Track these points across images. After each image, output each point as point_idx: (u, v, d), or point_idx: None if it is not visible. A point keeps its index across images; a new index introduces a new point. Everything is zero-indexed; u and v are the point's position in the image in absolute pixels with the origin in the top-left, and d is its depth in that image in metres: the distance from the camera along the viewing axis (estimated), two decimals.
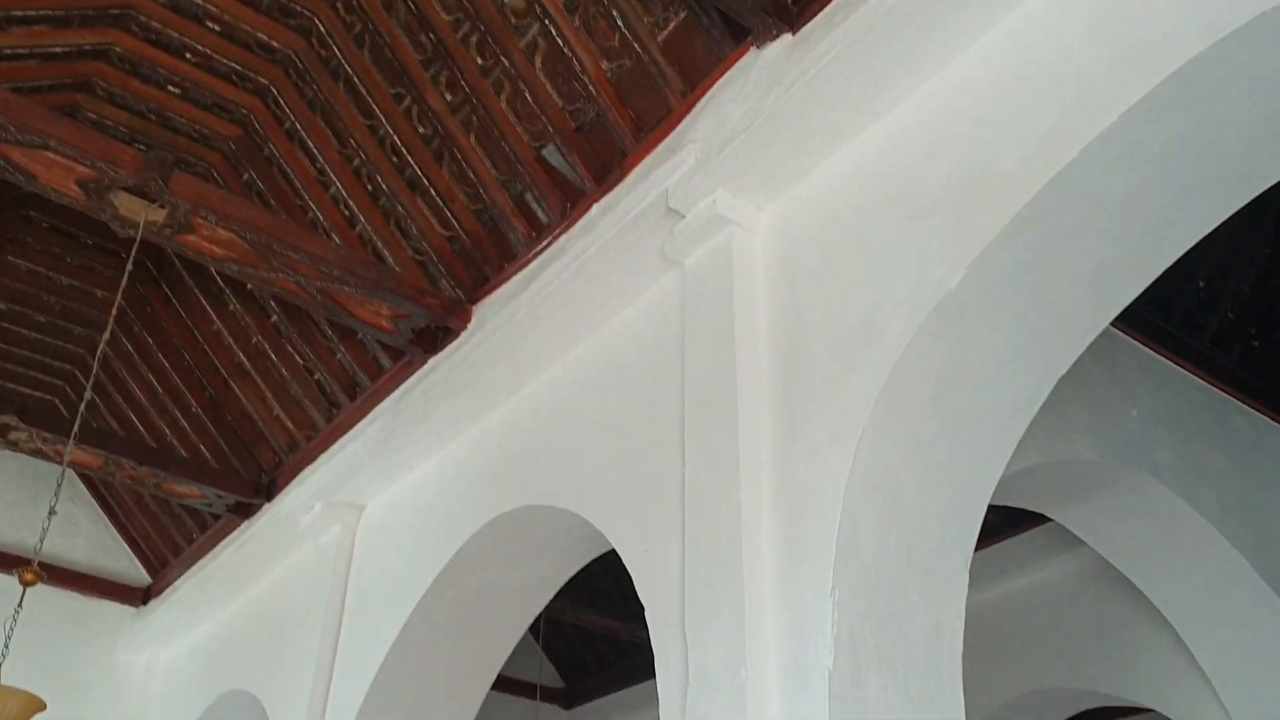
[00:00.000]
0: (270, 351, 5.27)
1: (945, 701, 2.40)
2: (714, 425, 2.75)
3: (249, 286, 5.03)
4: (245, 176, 5.05)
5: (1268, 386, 4.54)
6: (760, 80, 2.97)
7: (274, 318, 5.19)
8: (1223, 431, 4.29)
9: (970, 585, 2.66)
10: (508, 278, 4.06)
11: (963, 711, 2.44)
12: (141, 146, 4.57)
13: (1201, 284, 4.41)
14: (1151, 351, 4.19)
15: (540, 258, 3.87)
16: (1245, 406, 4.48)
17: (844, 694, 2.23)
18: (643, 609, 2.82)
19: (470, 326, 4.16)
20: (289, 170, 4.83)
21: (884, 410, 2.50)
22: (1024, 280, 2.49)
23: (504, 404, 4.02)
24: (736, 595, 2.44)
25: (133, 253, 3.89)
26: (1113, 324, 3.96)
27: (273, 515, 5.16)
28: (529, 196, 4.03)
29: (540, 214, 3.99)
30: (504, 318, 3.77)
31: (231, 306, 5.35)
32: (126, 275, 3.93)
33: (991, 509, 3.16)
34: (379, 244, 4.59)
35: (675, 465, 2.93)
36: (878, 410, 2.48)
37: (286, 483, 5.18)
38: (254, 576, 5.53)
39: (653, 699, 2.86)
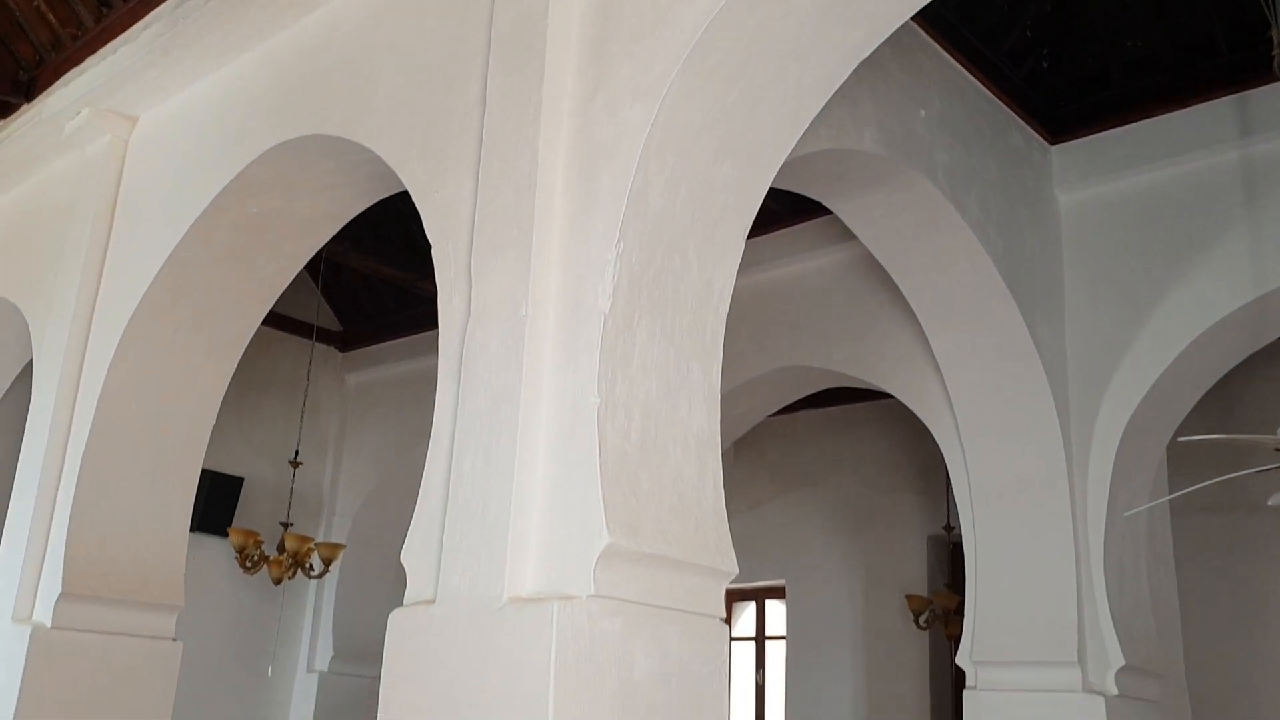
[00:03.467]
0: None
1: (706, 353, 2.57)
2: (519, 69, 2.69)
3: None
4: None
5: (1047, 107, 4.78)
6: None
7: None
8: (999, 143, 4.53)
9: (744, 267, 2.80)
10: None
11: (719, 365, 2.62)
12: None
13: None
14: (950, 57, 4.30)
15: None
16: (1023, 123, 4.72)
17: (616, 336, 2.35)
18: (425, 260, 2.83)
19: None
20: None
21: (689, 74, 2.50)
22: None
23: (296, 23, 3.78)
24: (525, 238, 2.49)
25: None
26: (917, 22, 4.04)
27: (34, 117, 4.78)
28: None
29: None
30: None
31: None
32: None
33: (774, 197, 3.28)
34: None
35: (475, 106, 2.88)
36: (683, 73, 2.48)
37: (50, 83, 4.77)
38: (13, 181, 5.20)
39: (429, 349, 2.93)
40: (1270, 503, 2.76)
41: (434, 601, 2.39)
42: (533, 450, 2.33)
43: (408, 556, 2.52)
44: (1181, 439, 2.72)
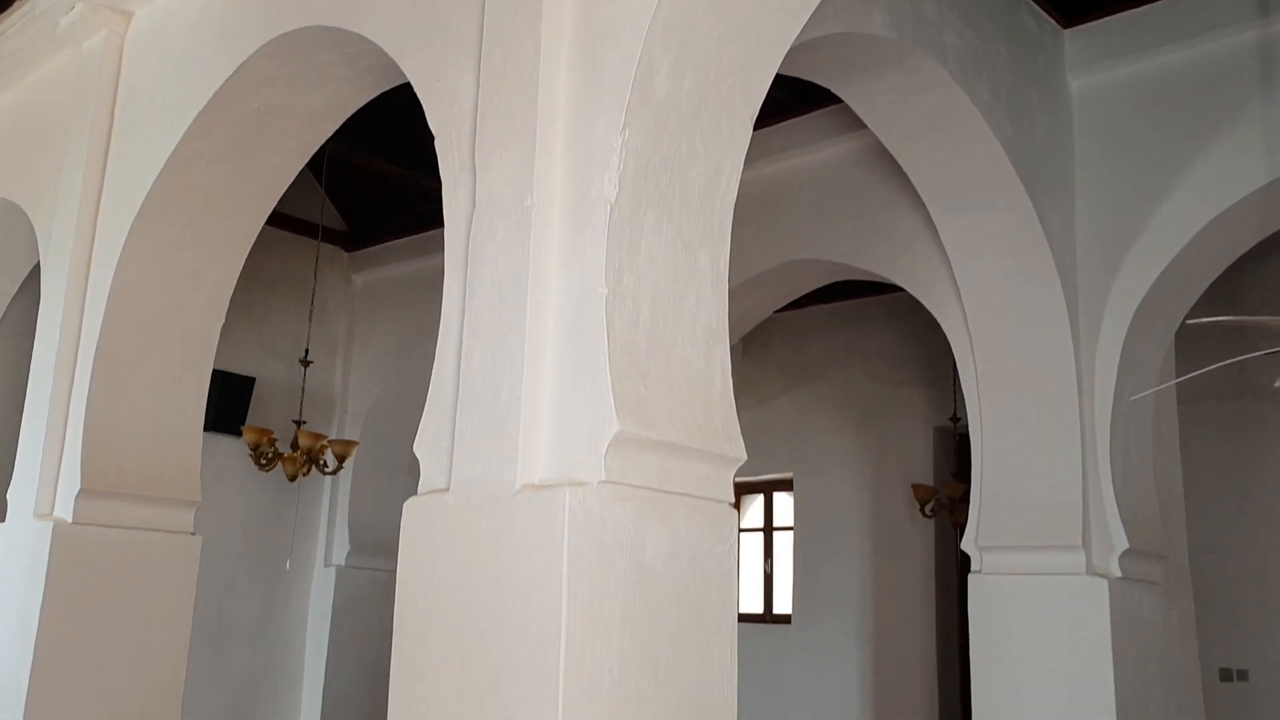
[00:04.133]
0: None
1: (713, 242, 2.56)
2: None
3: None
4: None
5: None
6: None
7: None
8: (1010, 26, 4.44)
9: (751, 160, 2.76)
10: None
11: (727, 255, 2.62)
12: None
13: None
14: None
15: None
16: (1035, 5, 4.61)
17: (622, 226, 2.34)
18: (430, 157, 2.80)
19: None
20: None
21: None
22: None
23: None
24: (529, 127, 2.46)
25: None
26: None
27: (27, 12, 4.71)
28: None
29: None
30: None
31: None
32: None
33: (780, 86, 3.22)
34: None
35: None
36: None
37: None
38: (11, 80, 5.15)
39: (436, 247, 2.92)
40: (1277, 384, 2.77)
41: (447, 490, 2.42)
42: (541, 340, 2.34)
43: (420, 447, 2.55)
44: (1190, 321, 2.72)
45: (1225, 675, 6.27)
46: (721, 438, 2.46)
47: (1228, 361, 2.78)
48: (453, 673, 2.28)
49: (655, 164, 2.42)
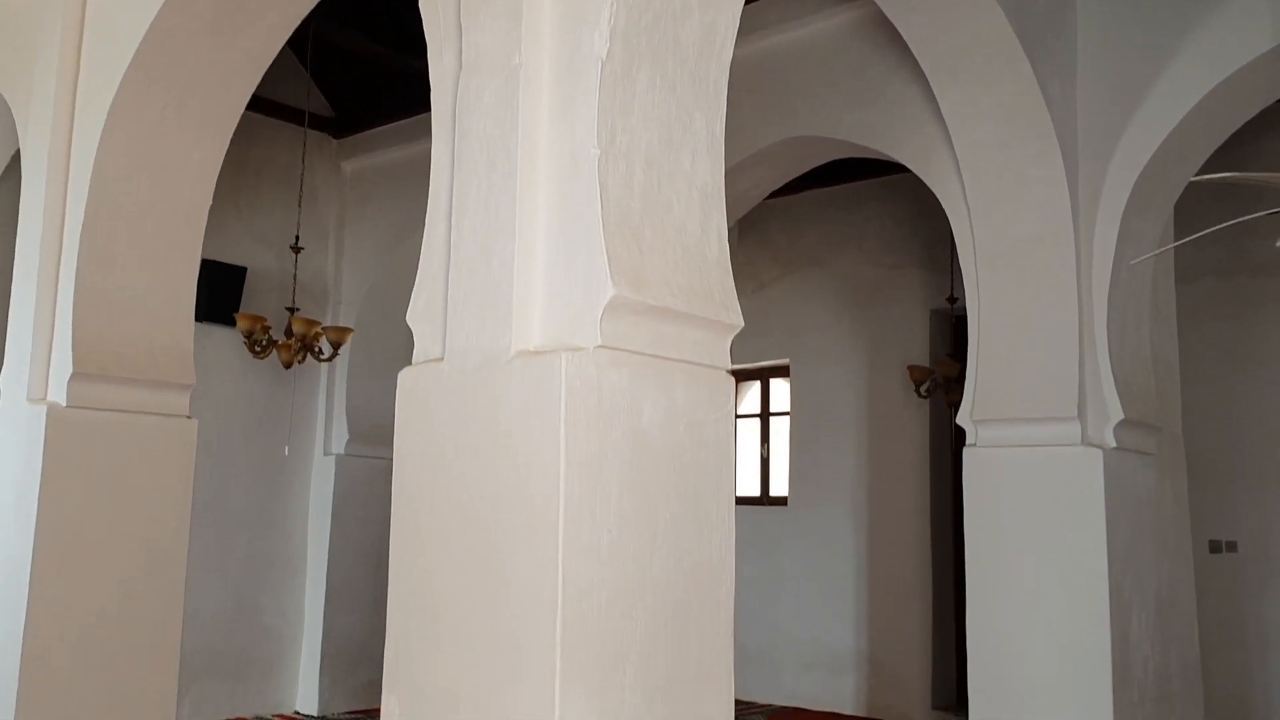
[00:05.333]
0: None
1: (709, 103, 2.49)
2: None
3: None
4: None
5: None
6: None
7: None
8: None
9: (747, 34, 2.67)
10: None
11: (723, 117, 2.55)
12: None
13: None
14: None
15: None
16: None
17: (614, 85, 2.27)
18: (417, 38, 2.71)
19: None
20: None
21: None
22: None
23: None
24: None
25: None
26: None
27: None
28: None
29: None
30: None
31: None
32: None
33: None
34: None
35: None
36: None
37: None
38: None
39: (425, 132, 2.84)
40: (1278, 244, 2.74)
41: (442, 360, 2.40)
42: (532, 204, 2.29)
43: (413, 318, 2.52)
44: (1193, 179, 2.67)
45: (1215, 547, 6.37)
46: (718, 303, 2.42)
47: (1228, 223, 2.74)
48: (452, 539, 2.28)
49: (648, 20, 2.34)
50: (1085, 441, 4.30)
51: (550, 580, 2.02)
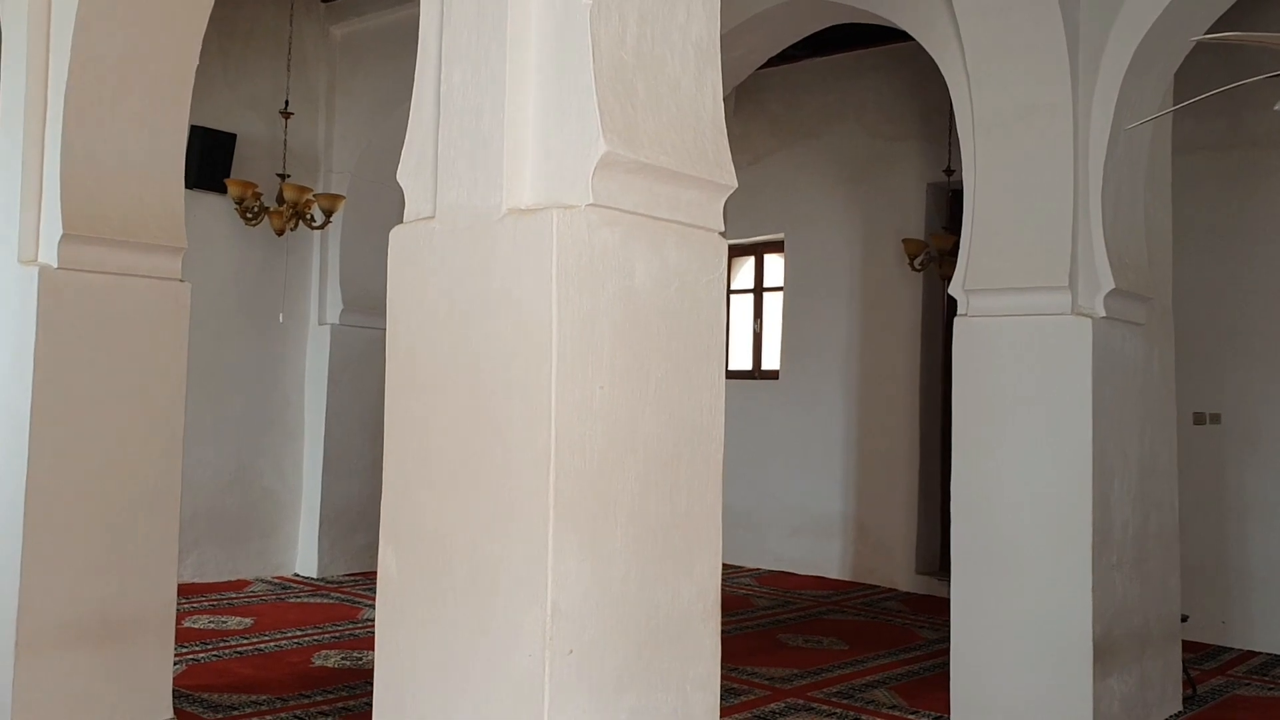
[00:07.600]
0: None
1: None
2: None
3: None
4: None
5: None
6: None
7: None
8: None
9: None
10: None
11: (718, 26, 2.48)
12: None
13: None
14: None
15: None
16: None
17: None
18: None
19: None
20: None
21: None
22: None
23: None
24: None
25: None
26: None
27: None
28: None
29: None
30: None
31: None
32: None
33: None
34: None
35: None
36: None
37: None
38: None
39: None
40: (1277, 107, 2.71)
41: (433, 218, 2.39)
42: (523, 58, 2.25)
43: (404, 176, 2.50)
44: (1195, 39, 2.62)
45: (1199, 418, 6.46)
46: (711, 163, 2.41)
47: (1229, 86, 2.70)
48: (446, 395, 2.31)
49: None
50: (1075, 311, 4.32)
51: (544, 431, 2.06)
